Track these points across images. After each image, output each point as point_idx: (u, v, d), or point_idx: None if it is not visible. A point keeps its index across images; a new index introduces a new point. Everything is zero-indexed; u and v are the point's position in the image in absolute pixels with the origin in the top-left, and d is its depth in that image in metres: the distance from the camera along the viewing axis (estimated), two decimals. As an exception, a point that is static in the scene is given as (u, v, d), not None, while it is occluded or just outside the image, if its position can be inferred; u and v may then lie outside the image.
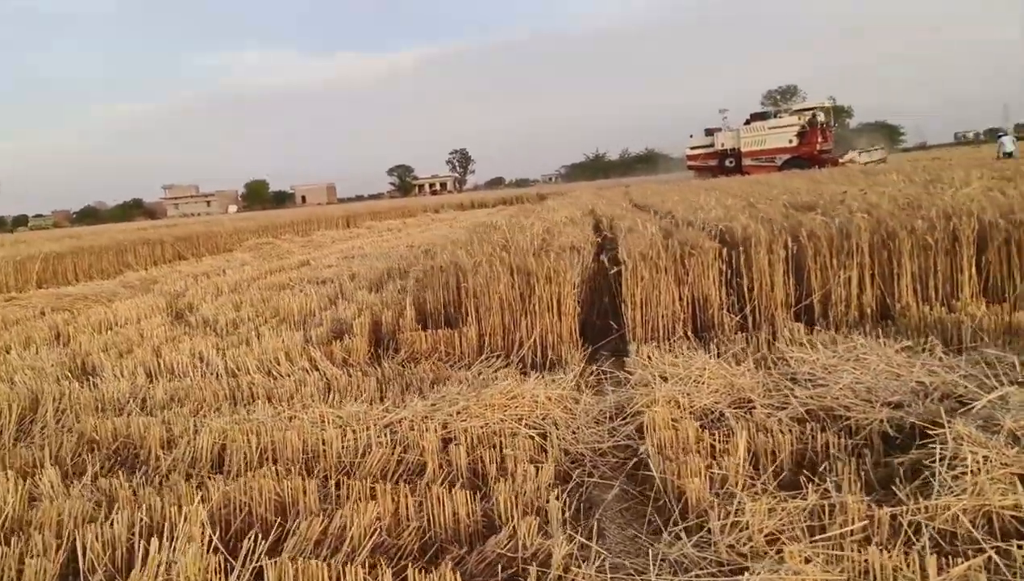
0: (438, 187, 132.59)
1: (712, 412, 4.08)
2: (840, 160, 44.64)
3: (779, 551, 2.58)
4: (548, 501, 3.23)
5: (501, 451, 3.86)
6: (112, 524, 3.05)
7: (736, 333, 5.99)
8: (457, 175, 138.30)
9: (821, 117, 46.92)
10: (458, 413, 4.38)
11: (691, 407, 4.11)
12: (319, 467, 3.96)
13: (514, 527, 2.98)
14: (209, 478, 3.80)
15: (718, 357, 5.05)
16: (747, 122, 50.34)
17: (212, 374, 6.28)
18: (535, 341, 6.35)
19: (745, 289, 6.18)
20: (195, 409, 5.15)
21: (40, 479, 3.70)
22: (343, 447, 4.09)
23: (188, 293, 11.18)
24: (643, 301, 6.23)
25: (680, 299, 6.24)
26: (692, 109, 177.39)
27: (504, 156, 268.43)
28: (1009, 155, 33.03)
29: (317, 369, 6.32)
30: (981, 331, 4.97)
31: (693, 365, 4.67)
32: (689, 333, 6.14)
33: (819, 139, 45.21)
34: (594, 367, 5.78)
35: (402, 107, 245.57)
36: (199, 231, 21.33)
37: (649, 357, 5.64)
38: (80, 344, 7.67)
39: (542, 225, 9.99)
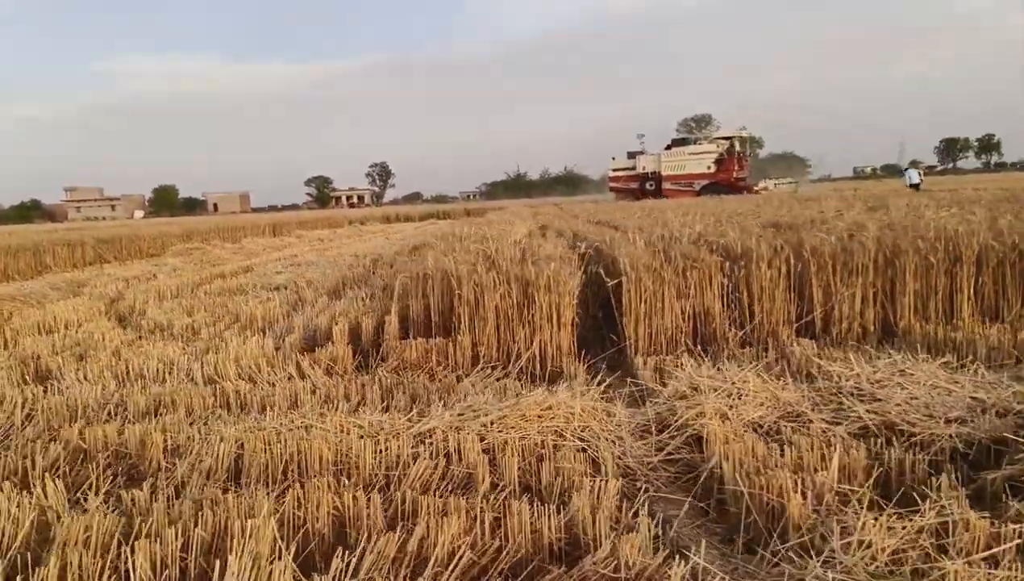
0: (355, 200, 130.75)
1: (762, 426, 3.97)
2: (755, 188, 46.15)
3: (917, 571, 2.45)
4: (637, 517, 3.03)
5: (553, 463, 3.63)
6: (160, 541, 2.68)
7: (741, 347, 5.94)
8: (376, 189, 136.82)
9: (738, 146, 48.49)
10: (492, 423, 4.13)
11: (740, 420, 3.98)
12: (354, 479, 3.64)
13: (613, 544, 2.76)
14: (234, 490, 3.44)
15: (741, 369, 4.96)
16: (668, 147, 51.60)
17: (188, 380, 5.83)
18: (534, 352, 6.14)
19: (746, 304, 6.15)
20: (187, 417, 4.73)
21: (43, 493, 3.27)
22: (376, 458, 3.79)
23: (127, 297, 10.49)
24: (646, 314, 6.11)
25: (682, 312, 6.16)
26: (623, 131, 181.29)
27: (422, 172, 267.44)
28: (916, 186, 34.90)
29: (303, 376, 5.95)
30: (993, 350, 5.05)
31: (729, 378, 4.55)
32: (692, 346, 6.06)
33: (736, 167, 46.65)
34: (599, 379, 5.60)
35: (320, 118, 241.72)
36: (122, 234, 20.25)
37: (658, 369, 5.53)
38: (25, 347, 7.03)
39: (509, 238, 9.80)
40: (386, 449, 3.85)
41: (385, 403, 5.05)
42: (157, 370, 6.00)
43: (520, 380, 5.87)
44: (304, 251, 17.70)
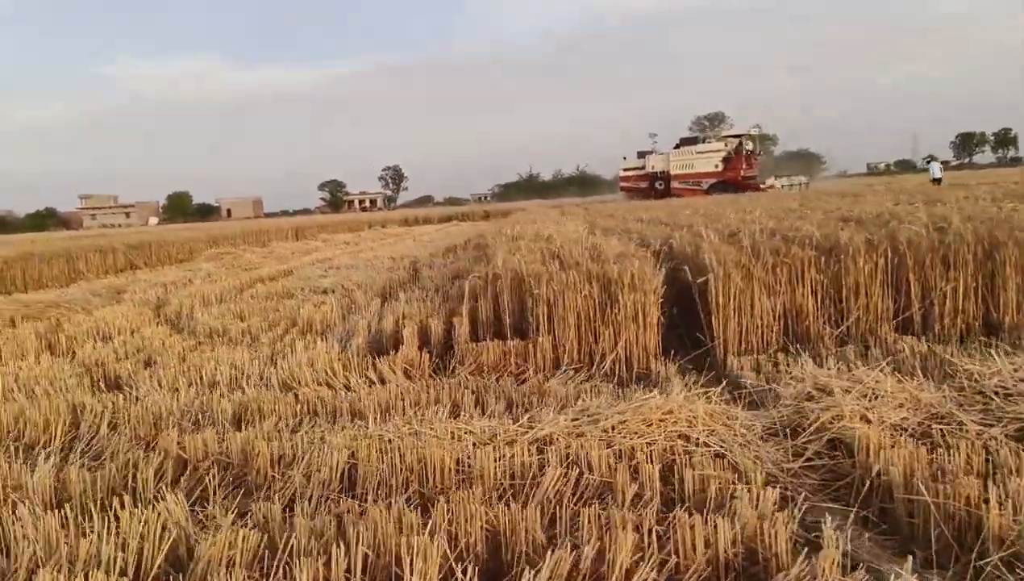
0: (367, 204, 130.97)
1: (906, 429, 3.72)
2: (761, 186, 45.72)
3: None
4: (810, 531, 2.80)
5: (694, 470, 3.40)
6: (321, 559, 2.47)
7: (839, 346, 5.69)
8: (389, 192, 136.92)
9: (749, 145, 48.20)
10: (613, 428, 3.91)
11: (882, 423, 3.73)
12: (480, 490, 3.42)
13: (809, 561, 2.53)
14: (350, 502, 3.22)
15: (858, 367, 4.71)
16: (677, 146, 51.54)
17: (265, 386, 5.63)
18: (619, 354, 5.91)
19: (839, 300, 5.90)
20: (279, 425, 4.52)
21: (167, 508, 3.05)
22: (497, 465, 3.57)
23: (171, 302, 10.33)
24: (735, 312, 5.87)
25: (771, 310, 5.91)
26: (624, 132, 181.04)
27: (433, 174, 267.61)
28: (938, 181, 34.59)
29: (383, 381, 5.74)
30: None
31: (858, 378, 4.30)
32: (786, 345, 5.81)
33: (743, 165, 46.36)
34: (694, 380, 5.36)
35: (325, 121, 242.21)
36: (151, 240, 20.14)
37: (758, 369, 5.29)
38: (87, 354, 6.85)
39: (567, 237, 9.57)
40: (506, 456, 3.63)
41: (480, 407, 4.84)
42: (231, 376, 5.81)
43: (608, 382, 5.66)
44: (336, 254, 17.52)
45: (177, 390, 5.43)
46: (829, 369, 4.62)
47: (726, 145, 48.07)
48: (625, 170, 54.84)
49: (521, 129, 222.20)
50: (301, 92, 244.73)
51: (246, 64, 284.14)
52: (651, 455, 3.64)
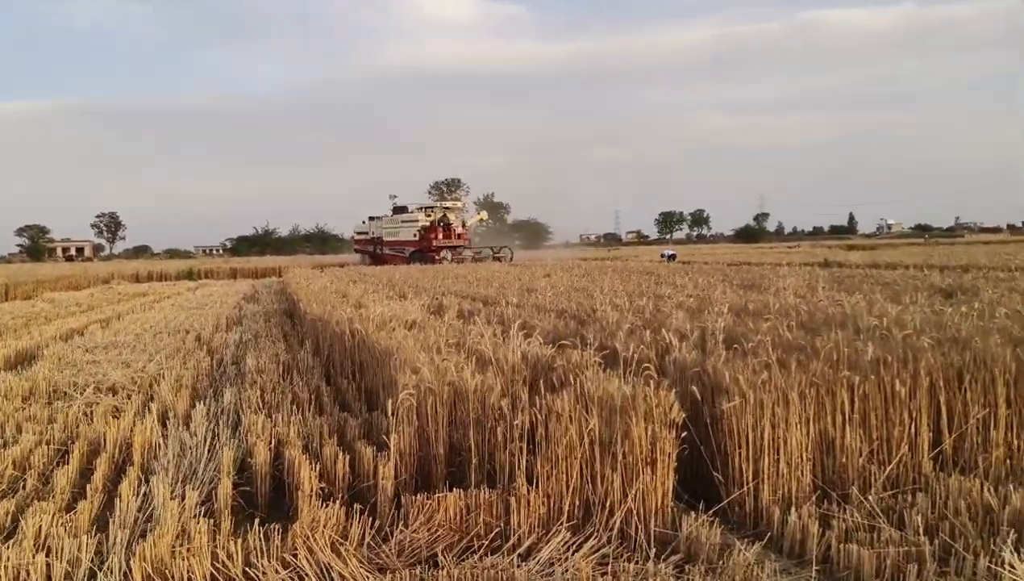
0: (73, 252, 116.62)
1: None
2: (438, 256, 45.36)
3: None
4: None
5: None
6: None
7: (884, 491, 4.65)
8: (101, 240, 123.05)
9: (452, 217, 50.05)
10: None
11: None
12: None
13: None
14: None
15: None
16: (394, 213, 53.03)
17: None
18: (630, 507, 4.40)
19: (874, 430, 4.90)
20: None
21: None
22: None
23: None
24: (763, 448, 4.64)
25: (798, 444, 4.76)
26: (366, 189, 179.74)
27: (152, 224, 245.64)
28: (672, 258, 37.52)
29: (301, 577, 3.73)
30: None
31: None
32: (823, 489, 4.67)
33: (438, 236, 47.72)
34: (745, 548, 4.01)
35: (36, 161, 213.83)
36: None
37: (809, 530, 4.06)
38: None
39: (446, 325, 7.89)
40: None
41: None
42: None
43: (624, 548, 4.16)
44: (82, 323, 14.05)
45: None
46: None
47: (428, 215, 49.66)
48: (358, 233, 56.43)
49: (253, 182, 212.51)
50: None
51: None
52: None
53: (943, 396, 5.03)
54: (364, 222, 55.51)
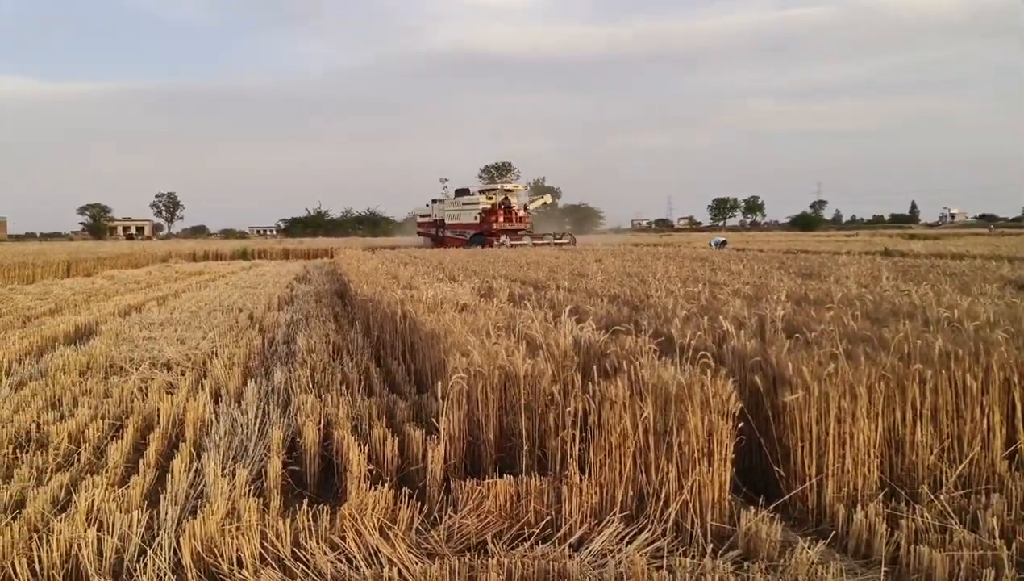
0: (133, 231, 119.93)
1: None
2: (496, 242, 44.27)
3: None
4: None
5: None
6: None
7: (956, 490, 4.42)
8: (160, 220, 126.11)
9: (514, 199, 49.13)
10: None
11: None
12: None
13: None
14: None
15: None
16: (456, 196, 52.49)
17: None
18: (686, 499, 4.25)
19: (944, 426, 4.65)
20: None
21: None
22: None
23: None
24: (829, 443, 4.44)
25: (865, 439, 4.54)
26: (417, 173, 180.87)
27: (208, 204, 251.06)
28: (723, 245, 36.78)
29: (350, 559, 3.67)
30: None
31: None
32: (891, 486, 4.46)
33: (499, 218, 46.84)
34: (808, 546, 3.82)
35: (84, 141, 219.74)
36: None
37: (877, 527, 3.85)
38: None
39: (495, 309, 7.79)
40: None
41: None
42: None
43: (680, 542, 4.01)
44: (142, 300, 14.34)
45: None
46: None
47: (489, 198, 48.80)
48: (421, 216, 55.94)
49: (307, 164, 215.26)
50: (53, 107, 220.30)
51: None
52: None
53: (1018, 392, 4.76)
54: (427, 205, 55.18)
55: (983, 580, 3.42)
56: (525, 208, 50.78)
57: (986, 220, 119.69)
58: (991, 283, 9.52)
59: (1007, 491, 4.29)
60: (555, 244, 41.48)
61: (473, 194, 51.17)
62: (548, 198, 62.91)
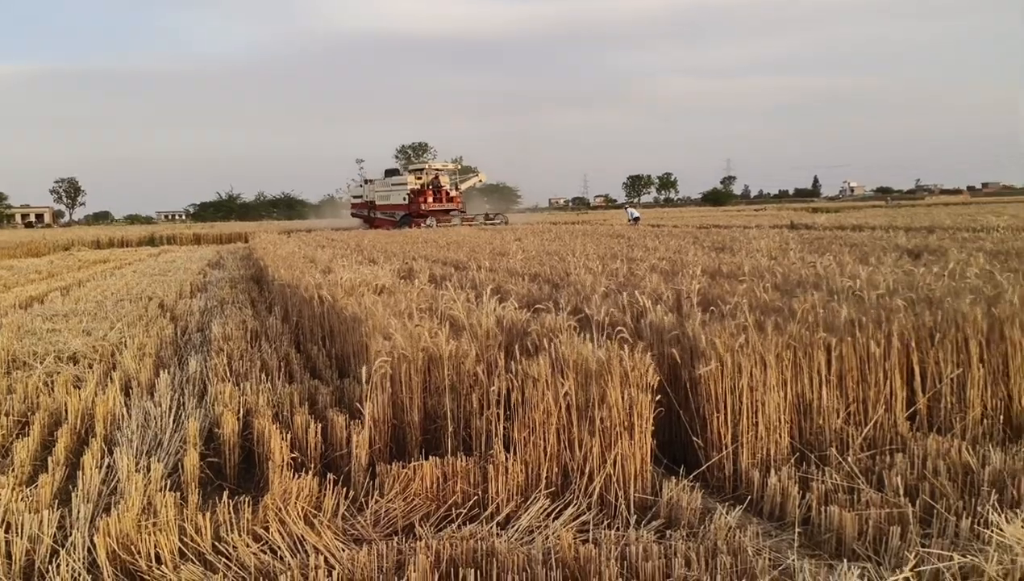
0: (32, 219, 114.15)
1: None
2: (423, 223, 44.18)
3: None
4: None
5: None
6: None
7: (862, 451, 4.65)
8: (62, 206, 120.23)
9: (445, 179, 48.67)
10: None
11: None
12: None
13: None
14: None
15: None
16: (386, 176, 51.65)
17: None
18: (609, 473, 4.34)
19: (850, 391, 4.88)
20: None
21: None
22: None
23: None
24: (740, 410, 4.60)
25: (776, 406, 4.73)
26: (334, 156, 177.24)
27: (112, 189, 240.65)
28: (636, 220, 37.32)
29: (273, 551, 3.63)
30: None
31: None
32: (800, 450, 4.66)
33: (427, 199, 46.46)
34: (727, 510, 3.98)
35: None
36: None
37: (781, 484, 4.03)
38: None
39: (416, 290, 7.75)
40: None
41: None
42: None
43: (604, 515, 4.11)
44: (41, 291, 13.67)
45: None
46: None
47: (417, 178, 48.10)
48: (354, 197, 54.51)
49: (216, 147, 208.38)
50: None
51: None
52: None
53: (916, 356, 5.03)
54: (361, 185, 53.67)
55: (890, 537, 3.61)
56: (457, 187, 50.00)
57: (883, 193, 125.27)
58: (889, 253, 9.98)
59: (909, 451, 4.53)
60: (487, 224, 41.44)
61: (402, 174, 50.19)
62: (482, 177, 61.70)
